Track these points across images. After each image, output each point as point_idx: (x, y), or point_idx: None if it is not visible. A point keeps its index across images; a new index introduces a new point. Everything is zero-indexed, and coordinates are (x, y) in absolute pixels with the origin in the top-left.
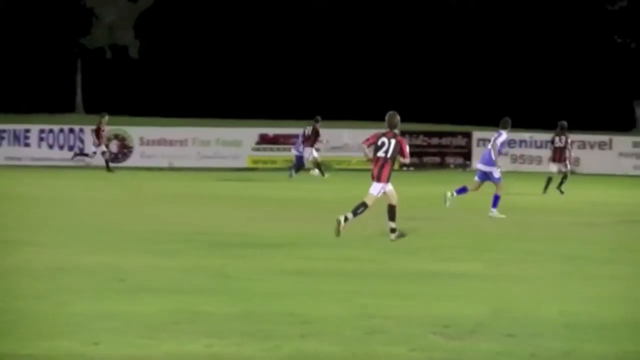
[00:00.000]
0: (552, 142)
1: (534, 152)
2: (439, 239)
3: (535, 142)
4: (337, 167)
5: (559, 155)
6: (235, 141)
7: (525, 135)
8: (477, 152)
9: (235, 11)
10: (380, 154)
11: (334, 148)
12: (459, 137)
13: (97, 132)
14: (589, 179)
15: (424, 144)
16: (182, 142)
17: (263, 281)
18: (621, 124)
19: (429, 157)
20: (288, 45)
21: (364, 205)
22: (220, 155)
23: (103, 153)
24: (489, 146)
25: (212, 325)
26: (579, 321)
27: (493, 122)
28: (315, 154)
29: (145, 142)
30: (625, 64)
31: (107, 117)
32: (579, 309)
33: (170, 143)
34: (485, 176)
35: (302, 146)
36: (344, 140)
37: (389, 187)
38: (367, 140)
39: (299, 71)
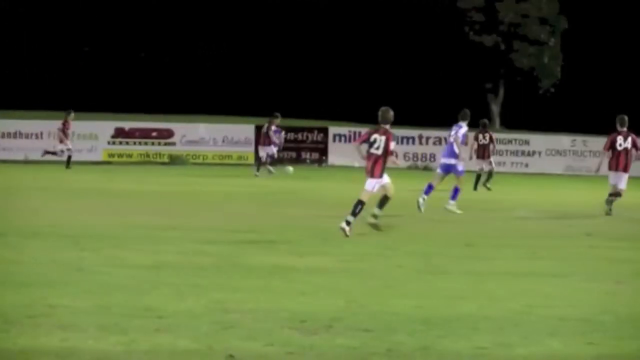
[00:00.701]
0: (476, 139)
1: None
2: (294, 233)
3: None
4: (193, 161)
5: (482, 152)
6: (91, 134)
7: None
8: (333, 148)
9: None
10: (373, 150)
11: (189, 142)
12: (316, 133)
13: (64, 129)
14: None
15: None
16: (37, 135)
17: (118, 275)
18: (475, 120)
19: (285, 152)
20: (139, 39)
21: (361, 203)
22: (76, 148)
23: (68, 150)
24: (451, 140)
25: (68, 319)
26: (434, 316)
27: (349, 117)
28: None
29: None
30: (479, 61)
31: (73, 114)
32: (434, 304)
33: (26, 136)
34: (448, 169)
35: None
36: (200, 134)
37: (385, 180)
38: (359, 138)
39: (153, 65)
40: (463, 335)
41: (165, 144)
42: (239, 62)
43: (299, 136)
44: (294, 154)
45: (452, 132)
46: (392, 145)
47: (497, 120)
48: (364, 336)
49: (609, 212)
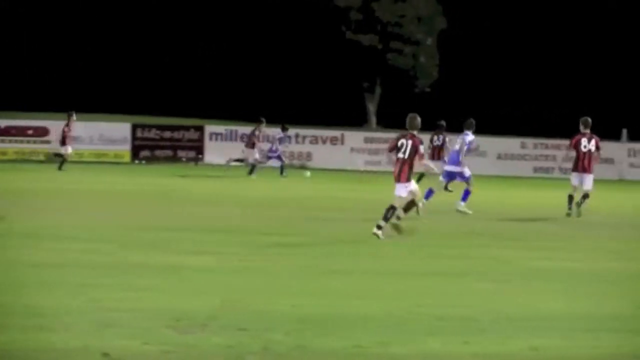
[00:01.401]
0: (431, 141)
1: (265, 146)
2: (175, 232)
3: (266, 136)
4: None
5: (437, 153)
6: None
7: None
8: (209, 146)
9: None
10: (400, 155)
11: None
12: (192, 131)
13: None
14: (321, 174)
15: (157, 137)
16: None
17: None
18: (353, 120)
19: (161, 151)
20: (14, 37)
21: (392, 208)
22: None
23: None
24: (457, 147)
25: None
26: (313, 315)
27: (225, 116)
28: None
29: None
30: (356, 60)
31: (75, 116)
32: (310, 302)
33: None
34: (452, 177)
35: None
36: (76, 132)
37: (413, 185)
38: (389, 145)
39: (28, 63)
40: (341, 334)
41: (41, 142)
42: (116, 59)
43: (175, 134)
44: (170, 152)
45: (459, 141)
46: (422, 149)
47: (374, 120)
48: (240, 335)
49: (578, 214)
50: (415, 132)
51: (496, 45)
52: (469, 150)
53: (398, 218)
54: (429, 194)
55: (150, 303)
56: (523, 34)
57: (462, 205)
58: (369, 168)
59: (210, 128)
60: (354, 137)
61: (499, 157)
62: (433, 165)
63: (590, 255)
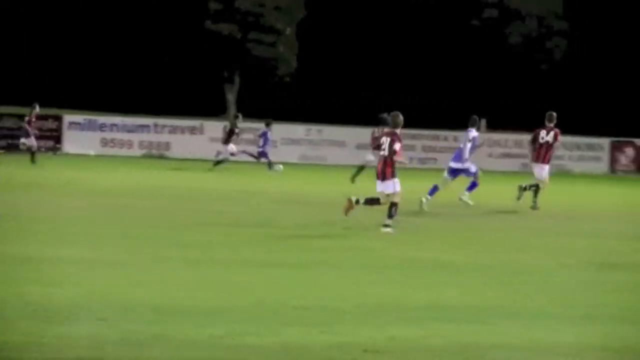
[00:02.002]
0: (373, 133)
1: (124, 135)
2: (45, 224)
3: (126, 125)
4: None
5: (378, 146)
6: None
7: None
8: (68, 135)
9: None
10: (382, 152)
11: None
12: (50, 121)
13: (29, 123)
14: (180, 163)
15: (15, 127)
16: None
17: None
18: (212, 109)
19: (16, 140)
20: None
21: (394, 205)
22: None
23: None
24: (461, 145)
25: None
26: (169, 305)
27: (83, 106)
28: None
29: None
30: (216, 49)
31: (37, 109)
32: (169, 293)
33: None
34: (456, 173)
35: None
36: None
37: (389, 184)
38: (373, 143)
39: None
40: (199, 324)
41: None
42: None
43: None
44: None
45: (463, 138)
46: (397, 146)
47: (233, 109)
48: (99, 325)
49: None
50: (397, 130)
51: (355, 35)
52: (473, 147)
53: (357, 202)
54: (434, 190)
55: (14, 293)
56: (380, 23)
57: (466, 195)
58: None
59: (69, 118)
60: (213, 127)
61: (358, 146)
62: (406, 160)
63: (456, 246)
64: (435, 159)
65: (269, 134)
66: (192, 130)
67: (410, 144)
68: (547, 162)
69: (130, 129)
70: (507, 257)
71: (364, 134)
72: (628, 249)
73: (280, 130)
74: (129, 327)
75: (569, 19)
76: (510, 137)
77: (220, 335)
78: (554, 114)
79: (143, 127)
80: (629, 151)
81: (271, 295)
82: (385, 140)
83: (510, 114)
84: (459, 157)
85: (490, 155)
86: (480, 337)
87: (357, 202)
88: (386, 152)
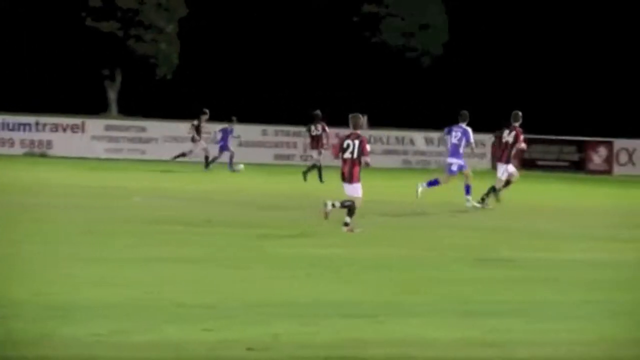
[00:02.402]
0: (308, 130)
1: (5, 134)
2: None
3: (7, 123)
4: None
5: (315, 143)
6: None
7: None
8: None
9: None
10: (347, 155)
11: None
12: None
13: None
14: (61, 161)
15: None
16: None
17: None
18: (93, 107)
19: None
20: None
21: (351, 204)
22: None
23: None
24: (454, 140)
25: None
26: (53, 303)
27: None
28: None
29: None
30: (97, 47)
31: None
32: (54, 290)
33: None
34: (460, 168)
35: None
36: None
37: (357, 187)
38: (335, 150)
39: None
40: (81, 322)
41: None
42: None
43: None
44: None
45: (455, 134)
46: (368, 147)
47: (115, 107)
48: None
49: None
50: (359, 132)
51: (236, 33)
52: (467, 142)
53: (334, 205)
54: (434, 183)
55: None
56: (261, 20)
57: (470, 199)
58: (110, 156)
59: None
60: (95, 125)
61: (240, 144)
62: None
63: (338, 242)
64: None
65: (229, 129)
66: (74, 128)
67: (292, 140)
68: (506, 162)
69: (11, 127)
70: (405, 252)
71: (247, 131)
72: (522, 244)
73: (161, 128)
74: (14, 325)
75: (450, 13)
76: (392, 133)
77: (102, 332)
78: (519, 113)
79: (24, 126)
80: None
81: (156, 292)
82: (352, 143)
83: (392, 111)
84: (454, 154)
85: (372, 152)
86: (366, 332)
87: (334, 205)
88: (355, 155)
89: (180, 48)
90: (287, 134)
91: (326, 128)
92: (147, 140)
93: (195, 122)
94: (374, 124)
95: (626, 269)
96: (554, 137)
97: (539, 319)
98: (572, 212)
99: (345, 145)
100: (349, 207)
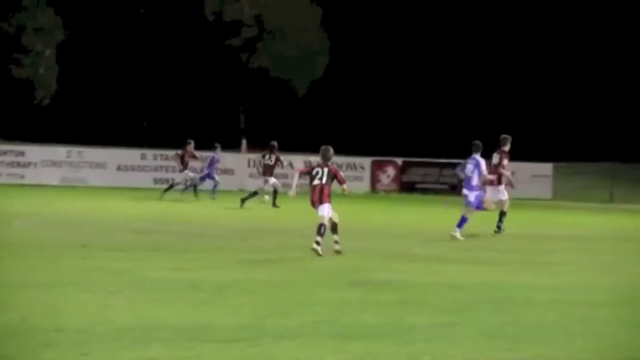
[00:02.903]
0: (263, 157)
1: None
2: None
3: None
4: None
5: (269, 171)
6: None
7: None
8: None
9: None
10: (316, 181)
11: None
12: None
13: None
14: None
15: None
16: None
17: None
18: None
19: None
20: None
21: (323, 226)
22: None
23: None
24: (468, 173)
25: None
26: None
27: None
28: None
29: None
30: None
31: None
32: None
33: None
34: (478, 198)
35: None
36: None
37: (325, 208)
38: (302, 170)
39: None
40: None
41: None
42: None
43: None
44: None
45: (470, 167)
46: (341, 174)
47: None
48: None
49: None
50: (329, 163)
51: (112, 57)
52: (480, 173)
53: (318, 243)
54: (462, 222)
55: None
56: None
57: (457, 231)
58: None
59: None
60: None
61: (119, 168)
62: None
63: (213, 265)
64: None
65: (216, 157)
66: None
67: (171, 164)
68: (498, 184)
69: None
70: (280, 275)
71: (125, 155)
72: (377, 265)
73: (40, 152)
74: None
75: (330, 37)
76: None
77: None
78: (508, 137)
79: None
80: (390, 170)
81: (34, 317)
82: (321, 171)
83: (273, 134)
84: (471, 187)
85: (251, 176)
86: (244, 356)
87: (318, 243)
88: (323, 181)
89: (59, 72)
90: (167, 157)
91: (280, 158)
92: (26, 165)
93: (180, 152)
94: (254, 147)
95: (497, 290)
96: (433, 160)
97: (411, 342)
98: (447, 234)
99: (314, 172)
100: (332, 227)
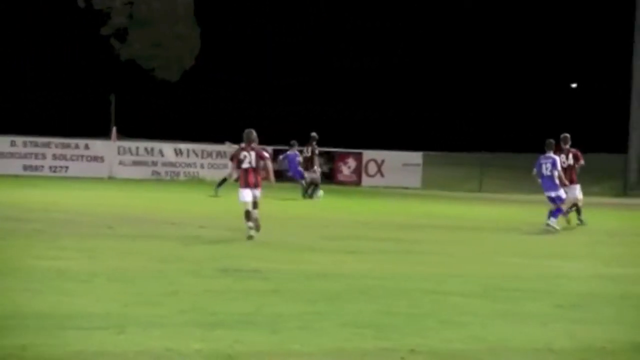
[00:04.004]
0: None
1: None
2: None
3: None
4: None
5: (308, 164)
6: None
7: None
8: None
9: None
10: (246, 165)
11: None
12: None
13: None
14: None
15: None
16: None
17: None
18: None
19: None
20: None
21: (247, 212)
22: None
23: None
24: (547, 172)
25: None
26: None
27: None
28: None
29: None
30: None
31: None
32: None
33: None
34: (553, 201)
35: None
36: None
37: (259, 191)
38: (234, 162)
39: None
40: None
41: None
42: None
43: None
44: None
45: (546, 166)
46: (266, 154)
47: None
48: None
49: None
50: (253, 144)
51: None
52: (556, 170)
53: (251, 228)
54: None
55: None
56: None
57: (552, 221)
58: None
59: None
60: None
61: None
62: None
63: (80, 255)
64: (66, 167)
65: (291, 156)
66: None
67: (41, 152)
68: (574, 183)
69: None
70: (146, 264)
71: None
72: (247, 253)
73: None
74: None
75: (201, 24)
76: (141, 144)
77: None
78: (568, 135)
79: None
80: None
81: None
82: (248, 154)
83: (141, 122)
84: (549, 186)
85: (121, 163)
86: (110, 344)
87: (250, 227)
88: (253, 164)
89: None
90: (36, 144)
91: (316, 151)
92: None
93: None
94: (123, 134)
95: (368, 280)
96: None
97: (280, 330)
98: (321, 222)
99: (242, 156)
100: (248, 214)
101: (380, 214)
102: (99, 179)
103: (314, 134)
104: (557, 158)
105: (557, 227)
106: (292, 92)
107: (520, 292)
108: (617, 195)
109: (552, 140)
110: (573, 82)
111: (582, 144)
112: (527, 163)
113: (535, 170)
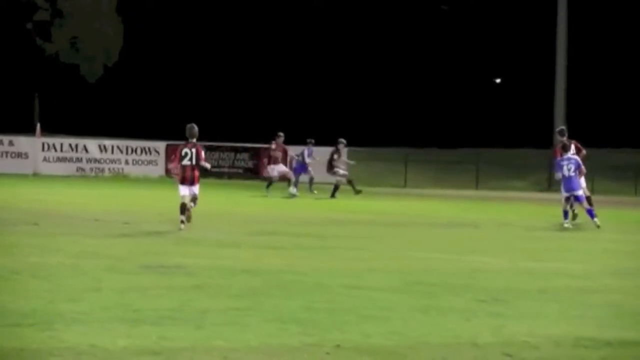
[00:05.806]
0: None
1: None
2: None
3: None
4: None
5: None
6: None
7: None
8: None
9: None
10: (186, 162)
11: None
12: None
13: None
14: None
15: None
16: None
17: None
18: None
19: None
20: None
21: (184, 206)
22: None
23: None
24: (571, 173)
25: None
26: None
27: None
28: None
29: None
30: None
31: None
32: None
33: None
34: (578, 200)
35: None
36: None
37: (196, 189)
38: (176, 159)
39: None
40: None
41: None
42: None
43: None
44: None
45: (568, 166)
46: (203, 154)
47: None
48: None
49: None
50: (194, 140)
51: None
52: (577, 169)
53: (183, 222)
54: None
55: None
56: None
57: (596, 221)
58: None
59: None
60: None
61: None
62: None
63: (12, 249)
64: None
65: (306, 152)
66: None
67: None
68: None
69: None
70: (66, 260)
71: None
72: (169, 249)
73: None
74: None
75: (125, 21)
76: (66, 140)
77: None
78: (564, 128)
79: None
80: None
81: None
82: (189, 151)
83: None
84: (571, 186)
85: (45, 159)
86: (33, 341)
87: (183, 222)
88: (193, 162)
89: None
90: None
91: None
92: None
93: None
94: (47, 130)
95: (290, 275)
96: (229, 144)
97: (204, 326)
98: (243, 218)
99: (183, 153)
100: (182, 207)
101: (304, 209)
102: (23, 176)
103: (341, 139)
104: (579, 159)
105: (599, 224)
106: (208, 87)
107: (441, 287)
108: (542, 190)
109: (566, 142)
110: (497, 78)
111: (507, 140)
112: (452, 158)
113: (559, 174)
